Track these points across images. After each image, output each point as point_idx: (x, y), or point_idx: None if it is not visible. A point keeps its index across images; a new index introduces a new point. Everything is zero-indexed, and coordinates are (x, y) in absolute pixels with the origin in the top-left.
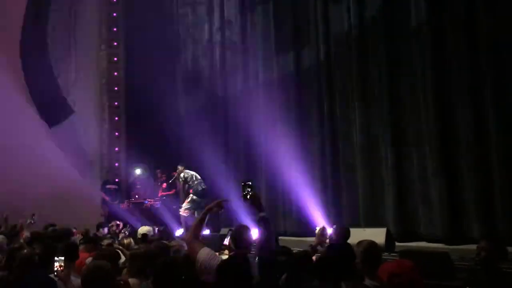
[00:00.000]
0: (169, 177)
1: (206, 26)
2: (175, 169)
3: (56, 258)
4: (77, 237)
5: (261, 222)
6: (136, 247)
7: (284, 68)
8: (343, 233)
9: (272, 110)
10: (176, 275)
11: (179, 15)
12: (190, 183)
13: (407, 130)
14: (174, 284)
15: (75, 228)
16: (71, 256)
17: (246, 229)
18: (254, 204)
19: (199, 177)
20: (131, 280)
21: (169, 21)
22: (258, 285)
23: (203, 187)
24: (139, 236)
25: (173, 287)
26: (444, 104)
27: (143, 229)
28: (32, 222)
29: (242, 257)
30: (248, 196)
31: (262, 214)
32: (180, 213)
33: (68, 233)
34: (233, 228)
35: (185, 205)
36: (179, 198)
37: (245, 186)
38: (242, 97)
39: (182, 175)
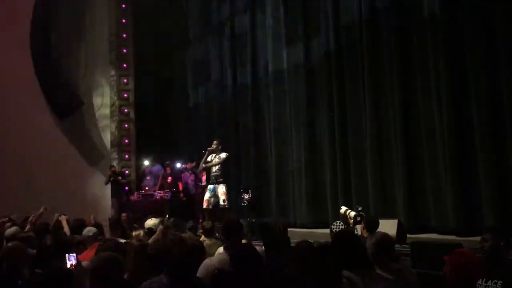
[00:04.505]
0: (173, 171)
1: (216, 16)
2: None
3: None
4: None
5: (259, 230)
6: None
7: (294, 59)
8: (373, 224)
9: (281, 101)
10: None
11: (189, 4)
12: (219, 167)
13: (419, 120)
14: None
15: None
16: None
17: (236, 221)
18: (251, 210)
19: None
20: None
21: (179, 13)
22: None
23: None
24: (145, 229)
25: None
26: (458, 95)
27: (150, 222)
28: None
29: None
30: (245, 203)
31: (261, 221)
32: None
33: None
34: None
35: (225, 196)
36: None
37: (242, 192)
38: (251, 88)
39: (225, 155)
